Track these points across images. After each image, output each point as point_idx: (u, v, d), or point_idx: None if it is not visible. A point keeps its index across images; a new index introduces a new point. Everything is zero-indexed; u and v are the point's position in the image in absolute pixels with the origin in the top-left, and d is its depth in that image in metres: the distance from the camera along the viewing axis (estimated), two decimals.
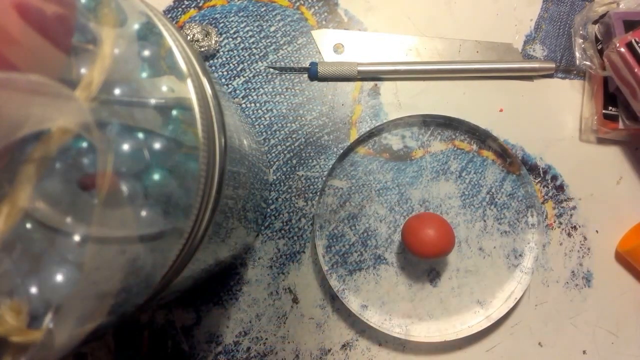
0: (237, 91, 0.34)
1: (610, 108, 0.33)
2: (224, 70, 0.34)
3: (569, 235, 0.33)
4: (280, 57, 0.35)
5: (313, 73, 0.34)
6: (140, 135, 0.15)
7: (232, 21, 0.35)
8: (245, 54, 0.35)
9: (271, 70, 0.34)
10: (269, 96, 0.34)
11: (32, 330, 0.14)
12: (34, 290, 0.14)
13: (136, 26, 0.16)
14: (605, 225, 0.34)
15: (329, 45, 0.35)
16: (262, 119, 0.34)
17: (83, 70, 0.14)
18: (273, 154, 0.34)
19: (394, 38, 0.35)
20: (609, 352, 0.32)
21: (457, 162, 0.34)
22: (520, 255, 0.32)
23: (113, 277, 0.14)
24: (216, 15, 0.35)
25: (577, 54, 0.34)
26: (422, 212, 0.28)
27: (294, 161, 0.33)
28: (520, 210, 0.33)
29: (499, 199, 0.33)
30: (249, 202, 0.26)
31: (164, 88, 0.16)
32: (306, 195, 0.33)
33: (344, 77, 0.34)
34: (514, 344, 0.32)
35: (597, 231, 0.33)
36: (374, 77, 0.35)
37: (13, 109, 0.12)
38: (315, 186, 0.33)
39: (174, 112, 0.16)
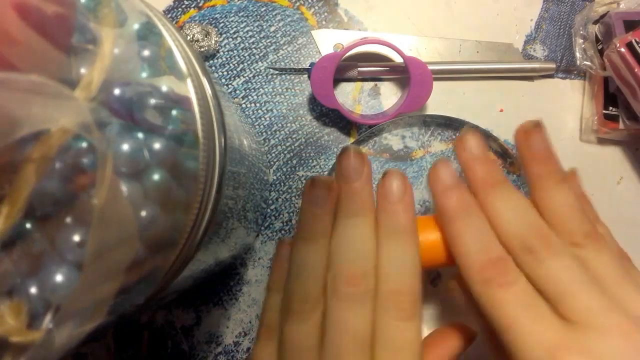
0: (237, 91, 0.34)
1: (610, 108, 0.33)
2: (223, 70, 0.34)
3: None
4: (280, 57, 0.35)
5: None
6: (140, 135, 0.15)
7: (232, 21, 0.35)
8: (245, 54, 0.35)
9: (271, 70, 0.34)
10: (269, 96, 0.34)
11: (32, 331, 0.14)
12: (33, 290, 0.14)
13: (136, 26, 0.16)
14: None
15: (329, 45, 0.35)
16: (262, 119, 0.34)
17: (83, 70, 0.14)
18: (273, 154, 0.34)
19: (394, 38, 0.35)
20: None
21: (458, 163, 0.34)
22: None
23: (113, 277, 0.14)
24: (216, 15, 0.35)
25: (578, 54, 0.34)
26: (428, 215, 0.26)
27: (294, 161, 0.33)
28: None
29: None
30: (249, 202, 0.26)
31: (164, 88, 0.16)
32: None
33: (344, 78, 0.34)
34: None
35: None
36: (374, 77, 0.35)
37: (12, 109, 0.12)
38: None
39: (174, 112, 0.16)
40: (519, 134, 0.24)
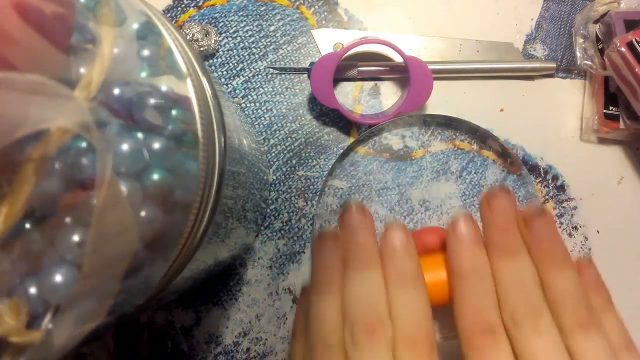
0: (237, 91, 0.34)
1: (611, 108, 0.33)
2: (223, 69, 0.34)
3: (570, 235, 0.33)
4: (280, 56, 0.35)
5: None
6: (140, 135, 0.15)
7: (231, 20, 0.35)
8: (245, 54, 0.35)
9: (271, 70, 0.34)
10: (269, 96, 0.34)
11: (31, 331, 0.13)
12: (33, 290, 0.14)
13: (135, 25, 0.16)
14: (606, 225, 0.33)
15: (329, 44, 0.35)
16: (262, 118, 0.34)
17: (82, 70, 0.14)
18: (273, 154, 0.33)
19: (394, 37, 0.35)
20: None
21: (458, 162, 0.34)
22: None
23: (113, 277, 0.14)
24: (215, 15, 0.35)
25: (578, 54, 0.34)
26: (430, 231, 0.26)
27: (294, 161, 0.33)
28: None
29: None
30: (249, 202, 0.26)
31: (164, 88, 0.16)
32: (306, 195, 0.33)
33: (344, 77, 0.34)
34: None
35: (598, 231, 0.33)
36: (374, 76, 0.35)
37: (12, 108, 0.12)
38: (315, 186, 0.33)
39: (174, 112, 0.15)
40: (527, 223, 0.23)
